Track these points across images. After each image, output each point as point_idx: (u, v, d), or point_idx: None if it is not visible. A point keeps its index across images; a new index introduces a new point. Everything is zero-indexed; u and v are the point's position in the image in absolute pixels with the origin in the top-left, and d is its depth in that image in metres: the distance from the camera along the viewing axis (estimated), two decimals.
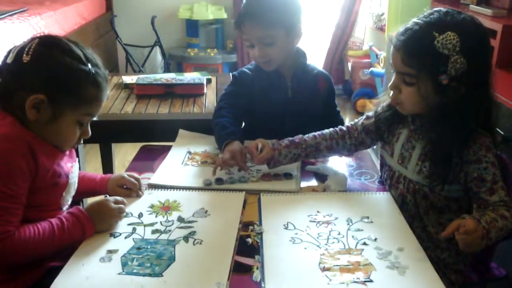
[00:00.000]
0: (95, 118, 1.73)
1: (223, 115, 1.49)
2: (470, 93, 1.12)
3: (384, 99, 1.35)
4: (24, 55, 1.02)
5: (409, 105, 1.20)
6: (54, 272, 0.95)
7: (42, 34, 1.15)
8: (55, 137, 1.08)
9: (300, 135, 1.37)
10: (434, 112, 1.16)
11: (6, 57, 1.05)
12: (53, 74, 1.03)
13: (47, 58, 1.03)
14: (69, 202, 1.18)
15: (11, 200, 1.00)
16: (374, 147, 1.43)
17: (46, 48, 1.04)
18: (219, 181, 1.33)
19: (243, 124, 1.70)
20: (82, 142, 1.15)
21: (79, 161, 1.84)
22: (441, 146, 1.16)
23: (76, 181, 1.19)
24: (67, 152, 1.16)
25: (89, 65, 1.07)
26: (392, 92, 1.21)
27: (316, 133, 1.37)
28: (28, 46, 1.03)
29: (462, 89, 1.11)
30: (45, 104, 1.03)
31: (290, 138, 1.36)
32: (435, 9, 1.17)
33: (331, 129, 1.39)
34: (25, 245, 0.99)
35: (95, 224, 1.07)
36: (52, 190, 1.09)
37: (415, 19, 1.16)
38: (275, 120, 1.56)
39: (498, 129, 1.25)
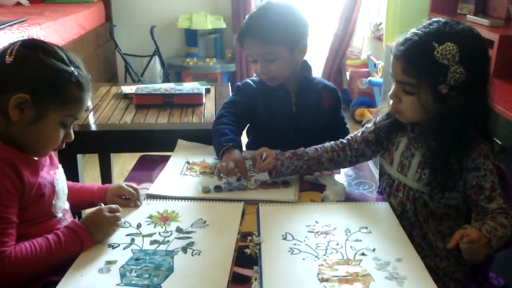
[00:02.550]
0: (94, 128, 1.76)
1: (223, 122, 1.49)
2: (470, 102, 1.13)
3: (382, 108, 1.36)
4: (7, 56, 1.02)
5: (409, 114, 1.21)
6: (52, 286, 0.95)
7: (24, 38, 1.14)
8: (38, 139, 1.07)
9: (302, 148, 1.38)
10: (433, 120, 1.18)
11: None
12: (37, 74, 1.03)
13: (31, 59, 1.03)
14: (65, 207, 1.18)
15: (3, 221, 0.99)
16: None
17: (29, 49, 1.04)
18: (217, 188, 1.33)
19: (249, 138, 1.71)
20: (64, 146, 1.14)
21: (77, 172, 1.87)
22: (441, 154, 1.17)
23: (65, 186, 1.18)
24: (48, 162, 1.15)
25: (72, 67, 1.07)
26: (391, 101, 1.22)
27: (317, 146, 1.38)
28: (11, 48, 1.03)
29: (461, 98, 1.12)
30: (28, 104, 1.02)
31: (293, 150, 1.37)
32: (434, 19, 1.18)
33: (332, 142, 1.40)
34: (22, 263, 0.99)
35: (92, 236, 1.07)
36: (40, 202, 1.08)
37: (414, 30, 1.17)
38: (279, 134, 1.55)
39: (495, 139, 1.26)
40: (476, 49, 1.15)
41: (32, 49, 1.05)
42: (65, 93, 1.06)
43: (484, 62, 1.18)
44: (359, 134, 1.39)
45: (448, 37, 1.11)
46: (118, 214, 1.13)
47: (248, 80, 1.63)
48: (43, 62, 1.03)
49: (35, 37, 2.57)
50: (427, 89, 1.14)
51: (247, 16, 1.54)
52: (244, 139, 1.63)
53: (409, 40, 1.15)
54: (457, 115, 1.13)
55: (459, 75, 1.10)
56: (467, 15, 2.59)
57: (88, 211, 1.19)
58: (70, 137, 1.13)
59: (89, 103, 1.93)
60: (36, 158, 1.11)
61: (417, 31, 1.16)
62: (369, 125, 1.38)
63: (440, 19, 1.18)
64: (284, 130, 1.56)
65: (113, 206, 1.15)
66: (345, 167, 1.45)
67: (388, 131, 1.32)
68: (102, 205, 1.15)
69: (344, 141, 1.40)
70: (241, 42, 1.52)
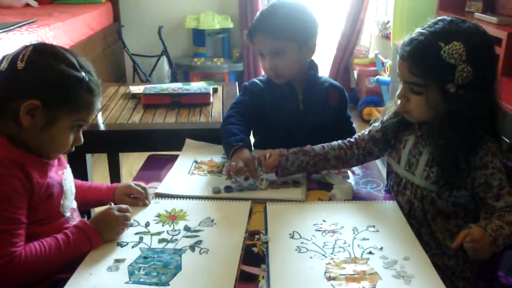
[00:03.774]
0: (102, 128, 1.77)
1: (232, 122, 1.49)
2: (477, 100, 1.13)
3: (390, 107, 1.35)
4: (19, 62, 1.02)
5: (417, 113, 1.21)
6: (61, 284, 0.96)
7: (35, 42, 1.15)
8: (49, 143, 1.08)
9: (309, 145, 1.38)
10: (441, 118, 1.18)
11: None
12: (48, 80, 1.03)
13: (42, 65, 1.04)
14: (73, 206, 1.19)
15: (12, 222, 1.00)
16: None
17: (41, 55, 1.05)
18: (228, 188, 1.33)
19: (256, 138, 1.71)
20: (73, 149, 1.15)
21: (86, 171, 1.88)
22: (449, 152, 1.17)
23: (73, 186, 1.19)
24: (56, 162, 1.16)
25: (83, 72, 1.08)
26: (399, 101, 1.22)
27: (324, 144, 1.39)
28: (22, 53, 1.04)
29: (469, 96, 1.12)
30: (39, 110, 1.03)
31: (299, 147, 1.37)
32: (439, 18, 1.18)
33: (339, 141, 1.40)
34: (32, 263, 1.00)
35: (101, 235, 1.08)
36: (49, 201, 1.09)
37: (419, 29, 1.17)
38: (286, 133, 1.55)
39: (504, 138, 1.25)
40: (483, 47, 1.15)
41: (43, 54, 1.05)
42: (75, 98, 1.07)
43: (491, 59, 1.18)
44: (366, 132, 1.39)
45: (454, 36, 1.11)
46: (127, 214, 1.14)
47: (255, 80, 1.64)
48: (54, 68, 1.04)
49: (44, 38, 2.59)
50: (435, 89, 1.14)
51: (258, 13, 1.56)
52: (251, 139, 1.64)
53: (415, 40, 1.15)
54: (465, 113, 1.13)
55: (467, 74, 1.10)
56: (475, 13, 2.58)
57: (98, 210, 1.20)
58: (79, 141, 1.14)
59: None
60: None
61: (422, 31, 1.15)
62: (376, 123, 1.38)
63: (446, 17, 1.17)
64: (292, 128, 1.56)
65: (123, 206, 1.15)
66: (353, 166, 1.45)
67: (395, 130, 1.32)
68: (112, 204, 1.16)
69: (352, 139, 1.40)
70: (251, 38, 1.53)
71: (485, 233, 1.05)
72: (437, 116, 1.18)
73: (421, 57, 1.14)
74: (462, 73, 1.10)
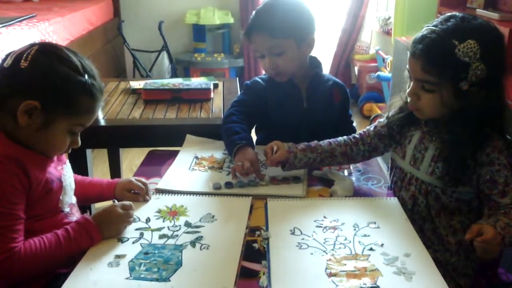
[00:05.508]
0: (103, 123, 1.77)
1: (234, 120, 1.49)
2: (488, 96, 1.13)
3: (395, 102, 1.35)
4: (22, 61, 1.02)
5: (428, 111, 1.20)
6: (62, 279, 0.96)
7: (41, 41, 1.14)
8: (44, 144, 1.08)
9: (316, 141, 1.37)
10: (450, 115, 1.17)
11: (4, 61, 1.05)
12: (49, 82, 1.03)
13: (45, 66, 1.03)
14: (72, 202, 1.18)
15: (11, 218, 1.00)
16: None
17: (45, 55, 1.04)
18: (228, 185, 1.33)
19: (258, 136, 1.70)
20: (70, 151, 1.15)
21: (86, 166, 1.88)
22: (457, 148, 1.17)
23: (72, 181, 1.19)
24: (55, 158, 1.15)
25: (86, 76, 1.06)
26: (410, 98, 1.22)
27: (330, 140, 1.38)
28: (27, 52, 1.03)
29: (481, 94, 1.12)
30: (37, 111, 1.02)
31: (306, 143, 1.36)
32: (449, 14, 1.17)
33: (345, 136, 1.40)
34: (32, 259, 1.00)
35: (102, 231, 1.07)
36: (47, 197, 1.09)
37: (430, 26, 1.15)
38: (290, 131, 1.54)
39: (507, 136, 1.25)
40: (496, 44, 1.14)
41: (47, 55, 1.04)
42: (75, 103, 1.06)
43: (503, 56, 1.17)
44: (371, 128, 1.39)
45: (468, 34, 1.10)
46: (131, 211, 1.13)
47: (256, 78, 1.63)
48: (56, 71, 1.03)
49: (43, 32, 2.58)
50: (448, 87, 1.13)
51: (254, 11, 1.54)
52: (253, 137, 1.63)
53: (427, 37, 1.14)
54: (476, 110, 1.13)
55: (480, 72, 1.10)
56: (477, 9, 2.57)
57: (98, 205, 1.19)
58: (76, 144, 1.14)
59: None
60: None
61: (434, 28, 1.14)
62: (382, 119, 1.38)
63: (456, 13, 1.16)
64: (296, 126, 1.56)
65: (126, 203, 1.15)
66: (358, 162, 1.44)
67: (401, 125, 1.31)
68: (116, 201, 1.15)
69: (357, 135, 1.40)
70: (249, 37, 1.52)
71: (496, 234, 1.04)
72: (448, 113, 1.18)
73: (435, 56, 1.12)
74: (476, 71, 1.09)
